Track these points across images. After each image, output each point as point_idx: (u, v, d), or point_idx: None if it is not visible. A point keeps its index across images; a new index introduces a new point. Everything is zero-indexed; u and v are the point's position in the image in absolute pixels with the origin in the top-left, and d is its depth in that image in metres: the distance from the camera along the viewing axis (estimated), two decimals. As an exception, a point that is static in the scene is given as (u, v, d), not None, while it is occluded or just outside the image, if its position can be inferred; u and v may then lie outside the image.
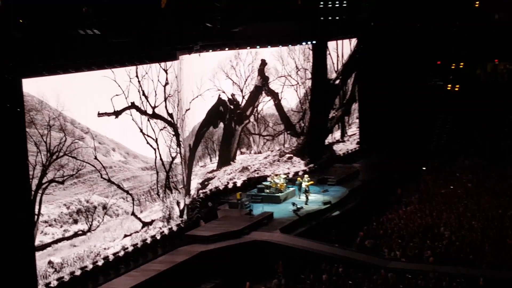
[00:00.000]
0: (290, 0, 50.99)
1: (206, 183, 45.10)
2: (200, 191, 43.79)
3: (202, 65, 43.70)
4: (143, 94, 37.20)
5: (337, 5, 54.07)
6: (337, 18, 54.49)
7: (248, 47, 47.56)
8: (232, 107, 47.69)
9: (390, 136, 61.16)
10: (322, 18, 53.59)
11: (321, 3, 53.18)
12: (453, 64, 66.49)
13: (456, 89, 65.49)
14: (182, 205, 40.17)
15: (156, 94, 38.12)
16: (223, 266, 34.63)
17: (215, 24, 41.49)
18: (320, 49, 54.80)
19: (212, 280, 33.93)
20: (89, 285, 31.64)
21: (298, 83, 52.91)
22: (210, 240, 36.44)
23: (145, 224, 37.10)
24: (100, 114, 34.22)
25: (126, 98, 35.94)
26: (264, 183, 45.77)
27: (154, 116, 38.08)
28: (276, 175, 46.62)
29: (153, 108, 37.98)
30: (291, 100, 52.79)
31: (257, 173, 49.10)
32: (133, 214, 36.41)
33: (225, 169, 47.51)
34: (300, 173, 50.20)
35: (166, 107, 39.07)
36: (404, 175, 52.20)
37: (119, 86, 35.31)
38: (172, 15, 38.21)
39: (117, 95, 35.29)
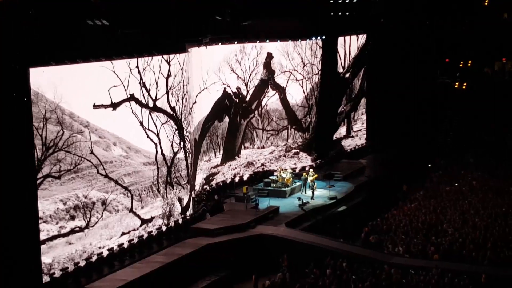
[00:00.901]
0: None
1: (210, 178, 44.98)
2: (205, 186, 43.75)
3: (208, 59, 43.46)
4: (144, 86, 36.48)
5: (347, 1, 54.02)
6: (347, 13, 54.45)
7: (257, 41, 47.59)
8: (237, 100, 47.55)
9: (397, 133, 61.14)
10: (332, 14, 53.59)
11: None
12: (461, 62, 66.44)
13: (464, 87, 65.44)
14: (184, 202, 39.89)
15: (157, 87, 37.52)
16: (228, 259, 34.73)
17: (225, 17, 41.52)
18: (330, 44, 54.82)
19: (217, 273, 34.03)
20: (94, 276, 31.69)
21: (304, 78, 52.83)
22: (216, 233, 36.57)
23: (144, 221, 36.67)
24: (96, 106, 33.32)
25: (125, 90, 35.19)
26: (270, 177, 45.88)
27: (155, 109, 37.45)
28: (283, 169, 46.66)
29: (154, 100, 37.35)
30: (296, 95, 52.74)
31: (263, 168, 49.11)
32: (131, 211, 35.88)
33: (230, 163, 47.43)
34: (307, 168, 50.25)
35: (168, 100, 38.47)
36: (410, 172, 52.18)
37: (118, 77, 34.53)
38: (182, 7, 38.24)
39: (114, 86, 34.46)
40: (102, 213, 33.90)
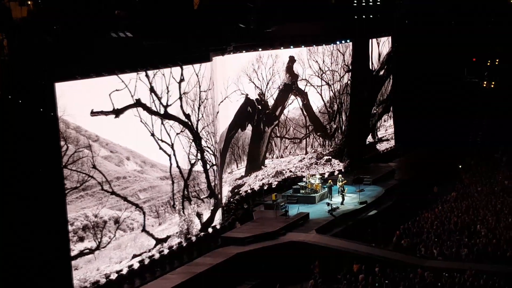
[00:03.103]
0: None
1: (236, 190, 44.46)
2: (231, 199, 43.29)
3: (227, 68, 42.87)
4: (153, 91, 34.65)
5: (371, 3, 53.72)
6: (371, 16, 54.16)
7: (282, 47, 47.36)
8: (260, 107, 46.99)
9: (425, 134, 60.71)
10: (356, 17, 53.34)
11: (355, 1, 52.91)
12: (489, 61, 65.96)
13: (492, 86, 64.95)
14: (205, 217, 38.72)
15: (168, 91, 35.72)
16: (259, 268, 34.52)
17: (249, 24, 41.44)
18: (361, 44, 54.56)
19: (249, 282, 33.88)
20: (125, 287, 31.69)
21: (322, 84, 51.73)
22: (246, 241, 36.42)
23: (159, 241, 35.10)
24: (94, 113, 31.15)
25: (132, 96, 33.34)
26: (299, 183, 45.68)
27: (167, 116, 35.65)
28: (312, 175, 46.45)
29: (166, 107, 35.60)
30: (314, 102, 51.62)
31: (293, 175, 48.88)
32: (144, 230, 34.26)
33: (256, 174, 46.93)
34: (335, 173, 50.01)
35: (181, 106, 36.84)
36: (440, 174, 51.81)
37: (122, 81, 32.76)
38: (205, 16, 38.20)
39: (117, 90, 32.53)
40: (115, 232, 32.45)
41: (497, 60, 65.71)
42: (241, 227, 39.40)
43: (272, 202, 41.85)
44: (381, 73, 58.80)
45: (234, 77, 44.21)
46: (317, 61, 50.84)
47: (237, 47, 42.36)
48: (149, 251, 34.19)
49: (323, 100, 52.15)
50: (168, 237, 35.63)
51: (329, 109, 52.72)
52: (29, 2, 29.03)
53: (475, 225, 37.90)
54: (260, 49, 45.59)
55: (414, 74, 61.57)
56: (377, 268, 31.98)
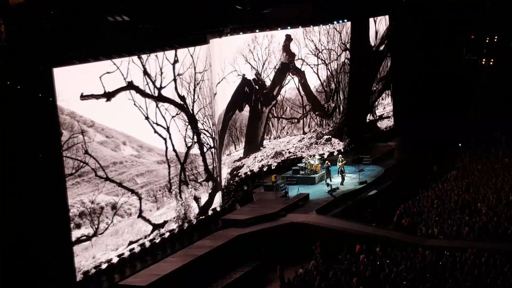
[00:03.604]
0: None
1: (235, 172, 44.39)
2: (230, 181, 43.24)
3: (223, 50, 42.47)
4: (146, 73, 34.00)
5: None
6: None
7: (279, 29, 47.15)
8: (257, 87, 46.58)
9: (425, 113, 60.56)
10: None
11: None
12: (487, 38, 65.80)
13: (491, 63, 64.81)
14: (203, 201, 38.46)
15: (162, 73, 35.12)
16: (260, 249, 34.51)
17: (245, 6, 41.28)
18: (359, 25, 54.53)
19: (250, 263, 33.75)
20: (126, 271, 31.62)
21: (322, 62, 51.33)
22: (246, 223, 36.42)
23: (156, 227, 34.80)
24: (83, 97, 30.55)
25: (124, 78, 32.74)
26: (299, 164, 45.64)
27: (161, 99, 35.12)
28: (311, 156, 46.39)
29: (159, 89, 35.04)
30: (312, 81, 51.18)
31: (293, 156, 48.77)
32: (140, 215, 33.88)
33: (255, 155, 46.80)
34: (335, 154, 49.99)
35: (176, 88, 36.32)
36: (440, 152, 51.74)
37: (114, 64, 32.17)
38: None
39: (108, 72, 31.89)
40: (113, 218, 32.17)
41: (496, 37, 65.53)
42: (241, 209, 39.40)
43: (271, 183, 41.84)
44: (381, 48, 58.54)
45: (230, 58, 43.84)
46: (313, 40, 50.38)
47: (234, 29, 42.17)
48: (145, 237, 33.90)
49: (319, 80, 51.63)
50: (165, 222, 35.36)
51: (326, 88, 52.24)
52: (25, -12, 28.94)
53: (476, 204, 37.89)
54: (257, 31, 45.36)
55: (412, 53, 61.26)
56: (378, 248, 31.99)
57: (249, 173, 45.16)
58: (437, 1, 62.54)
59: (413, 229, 35.60)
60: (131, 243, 33.03)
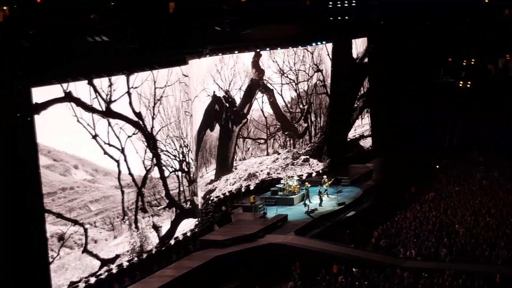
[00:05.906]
0: (299, 0, 50.74)
1: (207, 196, 43.25)
2: (204, 205, 42.29)
3: (196, 68, 41.50)
4: (91, 84, 31.31)
5: (346, 5, 53.67)
6: (346, 18, 54.07)
7: (257, 50, 47.15)
8: (227, 105, 45.63)
9: (402, 134, 60.85)
10: (331, 19, 53.24)
11: (330, 3, 52.80)
12: (464, 61, 66.28)
13: (468, 85, 65.24)
14: (164, 230, 36.61)
15: (111, 84, 32.39)
16: (238, 270, 34.41)
17: (224, 27, 41.31)
18: (339, 46, 54.74)
19: (227, 284, 33.72)
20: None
21: (291, 81, 50.52)
22: (224, 244, 36.30)
23: (105, 262, 31.98)
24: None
25: (64, 90, 29.88)
26: (277, 185, 45.59)
27: (110, 114, 32.23)
28: (289, 177, 46.37)
29: (108, 103, 32.24)
30: (280, 101, 50.07)
31: (269, 177, 48.57)
32: (85, 250, 30.76)
33: (227, 178, 45.82)
34: (313, 175, 50.02)
35: (130, 103, 33.76)
36: (417, 174, 51.95)
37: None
38: (181, 20, 38.03)
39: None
40: (59, 250, 29.33)
41: (473, 60, 66.00)
42: (219, 230, 39.28)
43: (250, 204, 41.76)
44: (365, 61, 58.85)
45: (200, 78, 42.52)
46: (275, 61, 49.16)
47: (213, 49, 42.19)
48: (93, 274, 31.23)
49: (284, 102, 50.28)
50: (117, 256, 32.89)
51: (291, 109, 50.99)
52: (4, 8, 28.78)
53: (454, 225, 38.01)
54: (236, 52, 45.35)
55: (390, 74, 61.55)
56: (356, 269, 31.98)
57: (221, 196, 44.54)
58: (414, 24, 62.83)
59: (391, 250, 35.65)
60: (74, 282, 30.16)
